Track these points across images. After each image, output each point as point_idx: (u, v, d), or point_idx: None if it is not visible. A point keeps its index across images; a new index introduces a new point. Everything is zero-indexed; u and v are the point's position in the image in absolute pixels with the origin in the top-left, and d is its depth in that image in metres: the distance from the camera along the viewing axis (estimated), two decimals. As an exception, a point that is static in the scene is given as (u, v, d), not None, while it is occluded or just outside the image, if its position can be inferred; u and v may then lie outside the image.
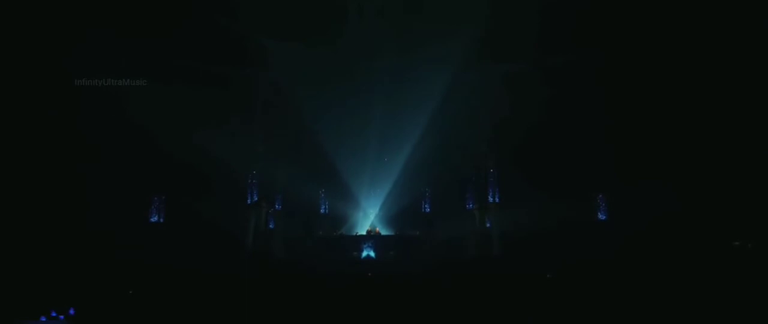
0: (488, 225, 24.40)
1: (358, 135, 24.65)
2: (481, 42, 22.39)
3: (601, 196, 23.45)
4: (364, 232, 25.99)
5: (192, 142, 22.98)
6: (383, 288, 20.19)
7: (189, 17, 19.97)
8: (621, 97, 22.12)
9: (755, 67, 19.46)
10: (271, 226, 25.69)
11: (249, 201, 25.22)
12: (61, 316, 16.04)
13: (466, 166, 25.51)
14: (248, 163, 25.07)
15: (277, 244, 25.34)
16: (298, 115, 24.14)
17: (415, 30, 22.13)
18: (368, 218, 26.53)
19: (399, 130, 24.61)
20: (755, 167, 19.82)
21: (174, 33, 20.57)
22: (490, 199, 24.58)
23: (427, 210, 26.10)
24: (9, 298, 16.64)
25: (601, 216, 23.30)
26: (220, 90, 23.40)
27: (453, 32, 22.02)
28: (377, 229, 26.06)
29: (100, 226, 21.56)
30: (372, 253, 24.45)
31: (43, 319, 16.08)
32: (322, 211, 26.44)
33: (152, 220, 24.05)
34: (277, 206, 25.96)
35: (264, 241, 25.08)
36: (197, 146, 23.06)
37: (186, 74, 22.47)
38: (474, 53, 22.79)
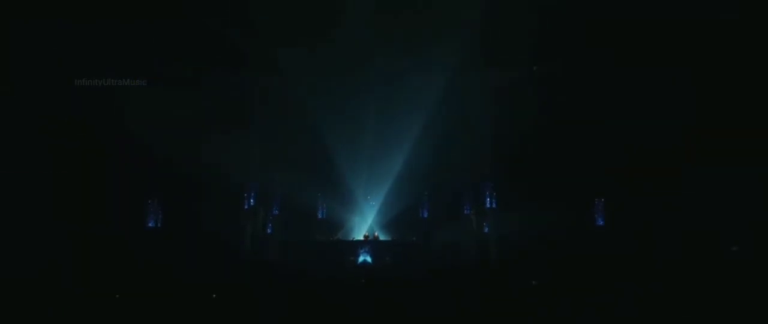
0: (486, 230, 24.30)
1: (356, 139, 24.60)
2: (479, 46, 22.39)
3: (599, 200, 23.25)
4: (361, 237, 25.77)
5: (189, 145, 23.05)
6: (379, 293, 19.99)
7: (184, 18, 20.04)
8: (620, 99, 22.01)
9: (756, 69, 19.34)
10: (269, 230, 25.65)
11: (246, 206, 25.19)
12: None
13: (463, 170, 25.35)
14: (246, 168, 25.04)
15: (275, 249, 25.22)
16: (295, 118, 24.11)
17: (413, 33, 22.12)
18: (366, 223, 26.39)
19: (397, 134, 24.55)
20: (755, 170, 19.61)
21: (169, 34, 20.68)
22: (488, 205, 24.48)
23: (425, 215, 25.97)
24: None
25: (599, 221, 23.07)
26: (219, 93, 23.47)
27: (451, 36, 22.01)
28: (375, 233, 25.90)
29: (98, 230, 21.60)
30: (369, 259, 24.29)
31: None
32: (319, 215, 26.36)
33: (149, 225, 24.00)
34: (274, 211, 25.91)
35: (262, 245, 25.03)
36: (194, 150, 23.13)
37: (183, 76, 22.58)
38: (472, 57, 22.76)
